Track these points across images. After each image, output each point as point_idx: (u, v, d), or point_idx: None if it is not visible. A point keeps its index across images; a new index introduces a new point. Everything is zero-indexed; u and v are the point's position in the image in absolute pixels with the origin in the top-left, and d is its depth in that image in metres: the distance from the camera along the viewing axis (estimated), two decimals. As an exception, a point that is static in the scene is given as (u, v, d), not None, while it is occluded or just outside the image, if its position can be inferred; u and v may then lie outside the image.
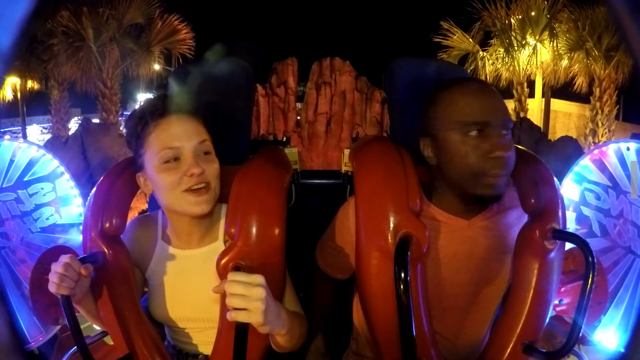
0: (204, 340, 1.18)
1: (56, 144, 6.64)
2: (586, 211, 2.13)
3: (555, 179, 1.16)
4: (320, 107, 8.43)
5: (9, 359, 0.67)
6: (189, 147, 1.04)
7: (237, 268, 0.94)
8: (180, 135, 1.04)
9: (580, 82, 9.58)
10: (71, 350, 1.15)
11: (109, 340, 1.16)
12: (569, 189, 2.15)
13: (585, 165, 2.12)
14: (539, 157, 1.18)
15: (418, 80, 1.25)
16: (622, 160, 2.00)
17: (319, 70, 8.61)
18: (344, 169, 1.59)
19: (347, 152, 1.50)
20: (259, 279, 0.87)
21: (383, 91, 8.23)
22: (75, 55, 9.03)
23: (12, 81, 10.32)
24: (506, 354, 1.09)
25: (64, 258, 0.95)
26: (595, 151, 2.09)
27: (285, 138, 1.77)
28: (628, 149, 1.98)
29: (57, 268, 0.94)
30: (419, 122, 1.11)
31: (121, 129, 8.06)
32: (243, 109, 1.30)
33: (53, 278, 0.94)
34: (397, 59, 1.32)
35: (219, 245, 1.13)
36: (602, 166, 2.07)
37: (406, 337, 0.91)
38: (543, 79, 10.20)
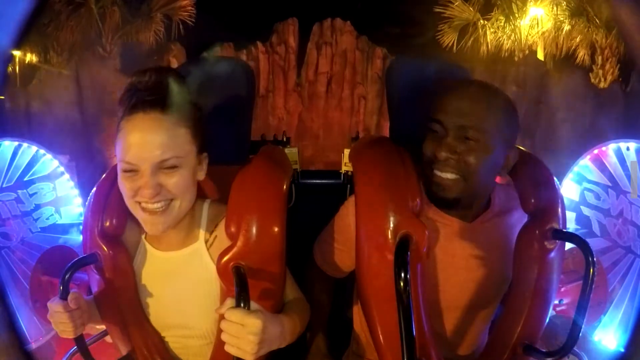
0: (188, 355, 1.13)
1: (50, 76, 6.46)
2: (586, 211, 2.13)
3: (555, 179, 1.16)
4: (321, 66, 8.40)
5: (9, 359, 0.67)
6: (146, 163, 0.92)
7: (237, 268, 0.94)
8: (139, 148, 0.92)
9: (582, 54, 9.48)
10: (71, 350, 1.15)
11: (109, 340, 1.16)
12: (569, 189, 2.16)
13: (585, 165, 2.13)
14: (539, 158, 1.18)
15: (418, 80, 1.25)
16: (622, 160, 2.01)
17: (319, 31, 8.58)
18: (344, 169, 1.59)
19: (347, 152, 1.50)
20: (255, 325, 0.84)
21: (384, 49, 8.18)
22: (76, 12, 8.90)
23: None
24: (506, 354, 1.09)
25: (71, 304, 0.93)
26: (595, 151, 2.09)
27: (285, 138, 1.78)
28: (628, 149, 1.98)
29: (64, 318, 0.93)
30: None
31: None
32: (243, 108, 1.30)
33: (66, 327, 0.94)
34: (397, 59, 1.32)
35: (199, 247, 1.07)
36: (601, 166, 2.08)
37: (406, 337, 0.91)
38: (544, 49, 10.05)
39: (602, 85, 8.31)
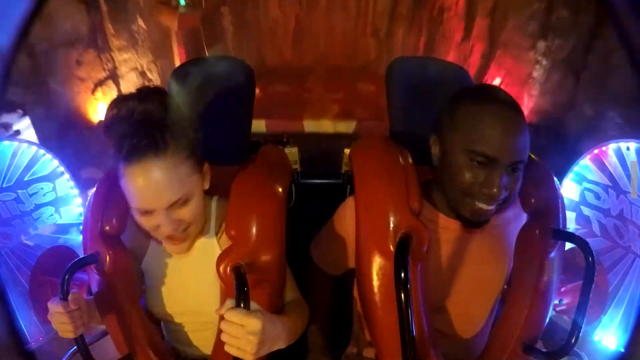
0: (202, 339, 1.18)
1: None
2: (586, 211, 2.13)
3: (555, 179, 1.16)
4: (322, -39, 7.66)
5: (9, 359, 0.67)
6: (160, 207, 0.95)
7: (237, 268, 0.94)
8: (146, 198, 0.94)
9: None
10: (71, 351, 1.16)
11: (109, 339, 1.16)
12: (569, 189, 2.15)
13: (585, 165, 2.12)
14: (539, 159, 1.18)
15: (418, 80, 1.25)
16: (622, 160, 2.00)
17: None
18: (344, 169, 1.59)
19: (347, 151, 1.50)
20: (255, 325, 0.85)
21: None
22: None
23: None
24: (506, 354, 1.09)
25: (71, 304, 0.94)
26: (595, 151, 2.09)
27: (285, 138, 1.78)
28: (628, 148, 1.98)
29: (64, 319, 0.94)
30: (437, 116, 1.07)
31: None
32: (243, 108, 1.30)
33: (67, 327, 0.95)
34: (397, 59, 1.32)
35: (210, 239, 1.11)
36: (602, 166, 2.07)
37: (406, 337, 0.91)
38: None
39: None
